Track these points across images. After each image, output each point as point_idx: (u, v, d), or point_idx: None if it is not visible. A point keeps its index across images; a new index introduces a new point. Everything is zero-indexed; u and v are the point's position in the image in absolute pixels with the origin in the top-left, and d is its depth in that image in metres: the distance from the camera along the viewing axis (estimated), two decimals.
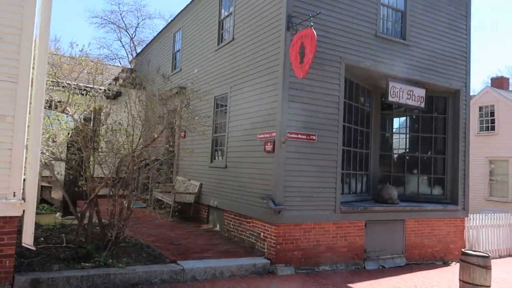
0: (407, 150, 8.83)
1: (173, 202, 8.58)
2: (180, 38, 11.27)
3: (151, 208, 7.70)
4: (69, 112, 6.26)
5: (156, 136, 5.76)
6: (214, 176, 8.20)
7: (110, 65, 16.58)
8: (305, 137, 6.37)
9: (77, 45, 17.74)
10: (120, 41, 28.52)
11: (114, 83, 9.43)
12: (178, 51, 11.41)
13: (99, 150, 6.06)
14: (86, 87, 6.63)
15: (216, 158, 8.46)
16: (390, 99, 7.47)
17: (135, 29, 26.94)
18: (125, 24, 26.71)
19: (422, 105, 7.93)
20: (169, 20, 13.87)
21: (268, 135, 6.40)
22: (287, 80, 6.23)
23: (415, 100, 7.82)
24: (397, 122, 8.83)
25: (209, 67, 8.95)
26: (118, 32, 26.83)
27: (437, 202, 8.30)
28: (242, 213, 7.00)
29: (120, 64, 23.26)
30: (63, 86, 6.41)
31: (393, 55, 7.46)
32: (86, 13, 39.94)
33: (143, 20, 31.97)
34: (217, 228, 8.01)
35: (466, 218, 8.64)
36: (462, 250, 6.19)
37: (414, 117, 8.79)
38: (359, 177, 7.98)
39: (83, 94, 6.55)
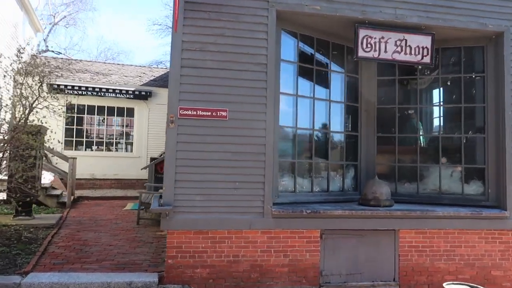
0: (422, 130, 6.11)
1: (140, 203, 7.62)
2: None
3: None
4: None
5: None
6: None
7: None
8: (208, 113, 4.70)
9: None
10: None
11: None
12: None
13: None
14: None
15: None
16: (361, 54, 5.15)
17: None
18: None
19: (427, 59, 5.30)
20: None
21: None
22: (178, 39, 4.69)
23: (411, 54, 5.27)
24: (405, 91, 6.16)
25: None
26: None
27: (474, 205, 5.46)
28: None
29: None
30: None
31: None
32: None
33: None
34: None
35: None
36: None
37: (431, 82, 6.05)
38: (336, 169, 5.76)
39: None
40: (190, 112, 4.65)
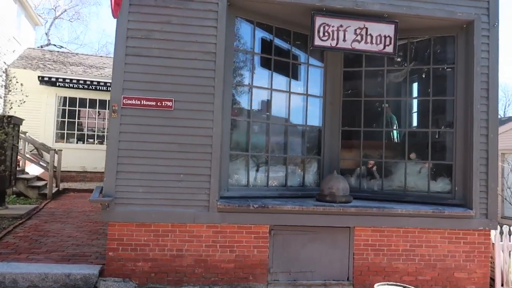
0: (389, 123, 5.84)
1: None
2: None
3: None
4: None
5: None
6: None
7: None
8: (153, 103, 4.57)
9: None
10: None
11: None
12: None
13: None
14: None
15: None
16: (317, 43, 4.92)
17: None
18: None
19: (389, 49, 5.04)
20: None
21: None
22: (123, 26, 4.56)
23: (372, 43, 5.01)
24: (372, 81, 5.88)
25: None
26: None
27: (439, 204, 5.19)
28: None
29: None
30: None
31: None
32: None
33: None
34: None
35: (493, 232, 5.23)
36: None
37: (400, 74, 5.76)
38: (297, 164, 5.56)
39: None
40: (134, 102, 4.53)
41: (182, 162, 4.59)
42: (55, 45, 21.46)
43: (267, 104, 5.29)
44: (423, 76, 5.68)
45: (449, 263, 5.02)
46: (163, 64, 4.60)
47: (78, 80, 12.54)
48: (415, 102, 5.82)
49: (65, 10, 22.46)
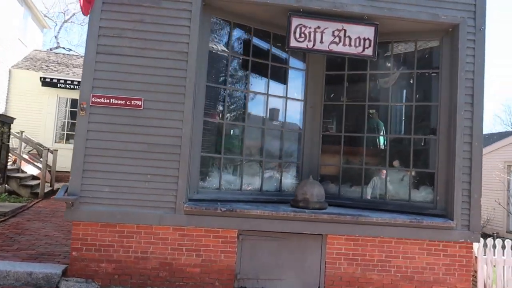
0: (376, 129, 5.65)
1: None
2: None
3: None
4: None
5: None
6: None
7: None
8: (122, 102, 4.51)
9: None
10: None
11: None
12: None
13: None
14: None
15: None
16: (293, 44, 4.81)
17: None
18: None
19: (369, 52, 4.89)
20: None
21: None
22: (95, 24, 4.54)
23: (351, 45, 4.87)
24: (354, 85, 5.70)
25: None
26: None
27: (420, 213, 4.98)
28: None
29: None
30: None
31: None
32: None
33: None
34: None
35: (476, 245, 4.99)
36: None
37: (384, 78, 5.59)
38: (274, 168, 5.43)
39: None
40: (103, 100, 4.48)
41: (150, 163, 4.51)
42: (64, 48, 21.85)
43: (244, 106, 5.18)
44: (408, 81, 5.50)
45: (428, 276, 4.79)
46: (134, 63, 4.55)
47: (79, 82, 12.63)
48: (400, 108, 5.62)
49: (74, 14, 22.88)
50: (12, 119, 7.97)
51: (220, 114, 5.07)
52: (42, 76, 12.52)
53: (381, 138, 5.79)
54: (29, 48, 14.57)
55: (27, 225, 6.48)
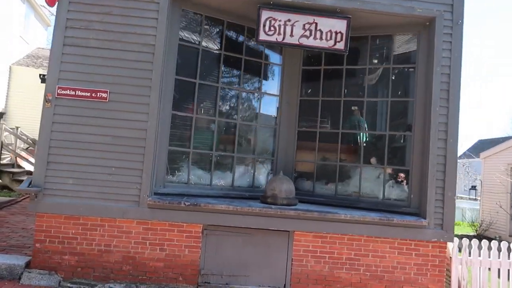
0: (357, 126, 5.52)
1: None
2: None
3: None
4: None
5: None
6: None
7: None
8: (88, 94, 4.50)
9: None
10: None
11: None
12: None
13: None
14: None
15: None
16: (262, 37, 4.73)
17: None
18: None
19: (340, 45, 4.78)
20: None
21: None
22: (63, 16, 4.54)
23: (322, 39, 4.77)
24: (333, 82, 5.57)
25: None
26: None
27: (393, 212, 4.85)
28: None
29: None
30: None
31: None
32: None
33: None
34: None
35: (451, 245, 4.83)
36: None
37: (360, 73, 5.45)
38: (248, 164, 5.35)
39: None
40: (68, 92, 4.48)
41: (115, 155, 4.48)
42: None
43: (215, 100, 5.13)
44: (386, 77, 5.36)
45: (398, 275, 4.66)
46: (101, 55, 4.54)
47: None
48: (377, 104, 5.48)
49: None
50: (1, 114, 8.07)
51: (191, 108, 5.02)
52: (41, 73, 12.67)
53: (362, 135, 5.66)
54: (31, 45, 14.78)
55: (9, 218, 6.54)
